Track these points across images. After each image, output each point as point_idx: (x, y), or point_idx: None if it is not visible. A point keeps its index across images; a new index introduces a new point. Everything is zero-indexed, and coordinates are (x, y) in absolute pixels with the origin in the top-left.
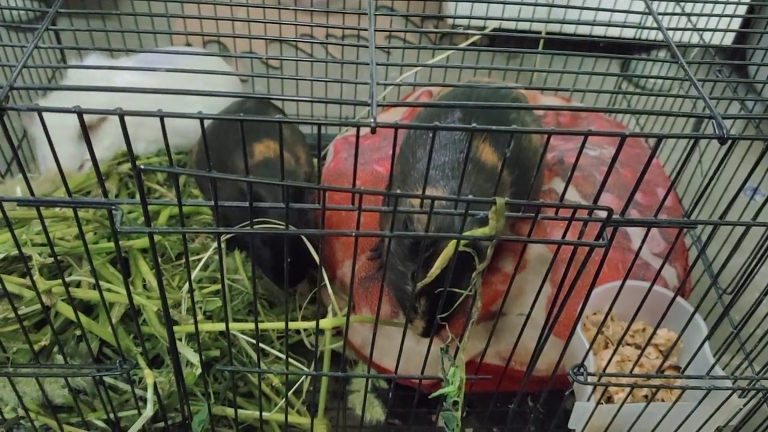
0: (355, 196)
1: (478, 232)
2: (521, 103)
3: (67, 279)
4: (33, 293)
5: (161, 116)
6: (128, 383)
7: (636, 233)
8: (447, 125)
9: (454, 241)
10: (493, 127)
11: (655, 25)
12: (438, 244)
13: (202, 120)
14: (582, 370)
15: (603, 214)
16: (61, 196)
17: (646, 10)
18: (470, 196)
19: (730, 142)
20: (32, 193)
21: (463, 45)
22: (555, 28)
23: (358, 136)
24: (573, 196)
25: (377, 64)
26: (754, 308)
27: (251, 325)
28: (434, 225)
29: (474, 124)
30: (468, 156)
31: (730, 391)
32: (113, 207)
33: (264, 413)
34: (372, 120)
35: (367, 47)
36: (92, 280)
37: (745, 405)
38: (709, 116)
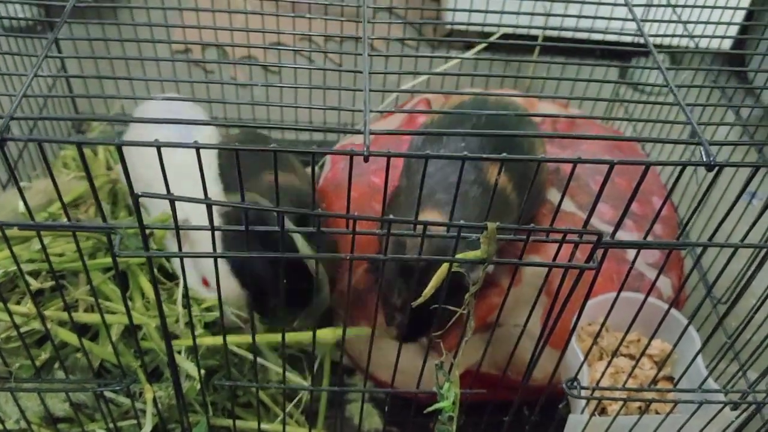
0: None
1: (470, 255)
2: (524, 118)
3: (67, 298)
4: (32, 314)
5: (158, 146)
6: (128, 397)
7: None
8: (438, 154)
9: (446, 264)
10: (484, 156)
11: (652, 32)
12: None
13: (198, 149)
14: (575, 383)
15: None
16: (61, 219)
17: (638, 32)
18: (462, 221)
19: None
20: (32, 217)
21: (448, 65)
22: (549, 36)
23: (351, 166)
24: (568, 206)
25: (370, 91)
26: (748, 319)
27: (248, 338)
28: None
29: (465, 152)
30: (460, 179)
31: (722, 404)
32: (112, 231)
33: (263, 425)
34: (365, 149)
35: (361, 72)
36: (92, 300)
37: (737, 417)
38: (697, 142)
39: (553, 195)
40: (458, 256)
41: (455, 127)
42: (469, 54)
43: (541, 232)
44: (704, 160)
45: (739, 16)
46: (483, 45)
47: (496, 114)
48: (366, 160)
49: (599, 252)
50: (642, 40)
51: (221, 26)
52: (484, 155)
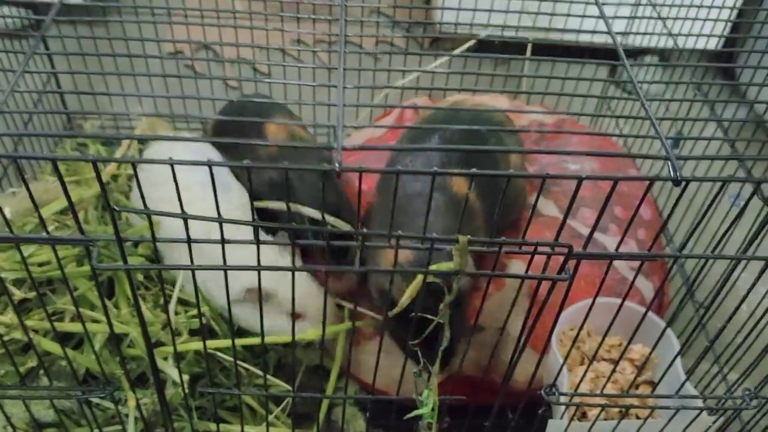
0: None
1: (444, 266)
2: (503, 128)
3: (50, 308)
4: (15, 324)
5: (133, 162)
6: (113, 403)
7: (613, 248)
8: (408, 170)
9: (421, 276)
10: (455, 171)
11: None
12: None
13: (172, 166)
14: (554, 389)
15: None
16: (49, 226)
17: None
18: (434, 234)
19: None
20: (11, 230)
21: (437, 63)
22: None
23: (324, 183)
24: (552, 211)
25: (345, 106)
26: (727, 322)
27: (228, 342)
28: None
29: (434, 168)
30: (432, 193)
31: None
32: (90, 243)
33: (248, 428)
34: (336, 164)
35: (335, 87)
36: (74, 309)
37: (714, 422)
38: (665, 157)
39: (540, 204)
40: (432, 267)
41: (427, 137)
42: (455, 54)
43: (513, 244)
44: (672, 175)
45: (719, 27)
46: (470, 43)
47: (467, 128)
48: (339, 176)
49: (571, 263)
50: (634, 40)
51: (210, 26)
52: (455, 171)
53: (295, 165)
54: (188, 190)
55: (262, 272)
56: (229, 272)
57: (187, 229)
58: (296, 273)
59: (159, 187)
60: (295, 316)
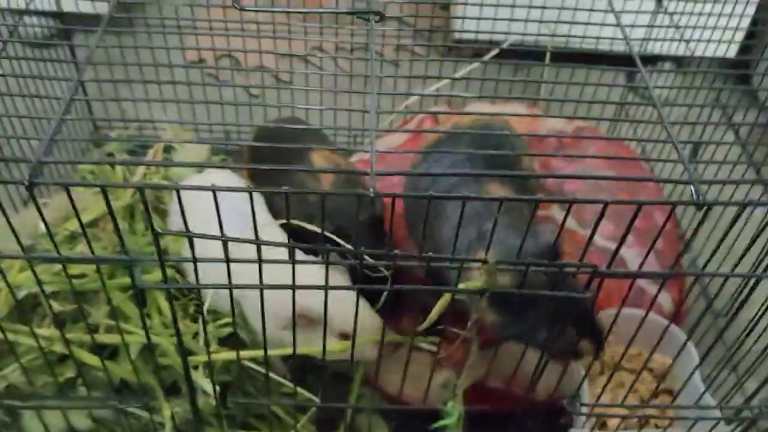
0: None
1: (471, 285)
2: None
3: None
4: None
5: (177, 188)
6: (147, 412)
7: (632, 259)
8: (440, 194)
9: (448, 294)
10: (473, 196)
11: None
12: None
13: (214, 191)
14: (576, 400)
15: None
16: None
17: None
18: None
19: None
20: (57, 251)
21: (460, 74)
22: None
23: (359, 203)
24: (569, 224)
25: (378, 112)
26: (747, 333)
27: (261, 353)
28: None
29: (462, 194)
30: (462, 213)
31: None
32: (134, 264)
33: None
34: (371, 190)
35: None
36: (111, 322)
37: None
38: (687, 181)
39: (557, 213)
40: (460, 285)
41: (455, 145)
42: (477, 63)
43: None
44: (694, 199)
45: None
46: (493, 53)
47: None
48: (373, 202)
49: (595, 282)
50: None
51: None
52: (473, 196)
53: (331, 191)
54: (215, 217)
55: (317, 295)
56: (277, 299)
57: (226, 252)
58: (354, 296)
59: (190, 214)
60: (345, 336)
